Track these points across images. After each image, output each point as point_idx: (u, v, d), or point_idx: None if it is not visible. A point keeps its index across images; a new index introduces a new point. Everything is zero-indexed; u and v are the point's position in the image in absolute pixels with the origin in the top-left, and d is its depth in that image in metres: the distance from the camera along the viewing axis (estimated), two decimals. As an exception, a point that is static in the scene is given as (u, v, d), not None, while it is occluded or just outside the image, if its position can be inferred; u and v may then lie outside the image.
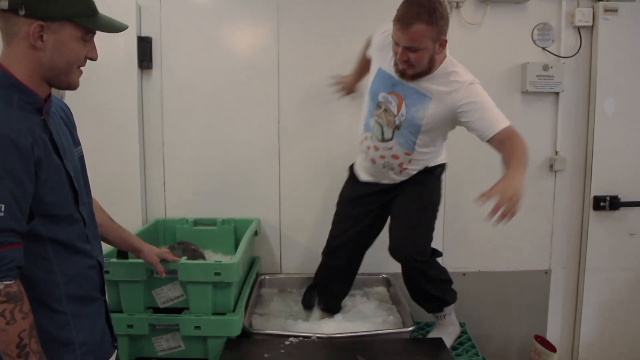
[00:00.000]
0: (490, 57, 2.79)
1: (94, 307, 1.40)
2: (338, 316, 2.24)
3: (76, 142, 1.46)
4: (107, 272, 1.91)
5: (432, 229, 2.28)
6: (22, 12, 1.20)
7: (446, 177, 2.73)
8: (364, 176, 2.35)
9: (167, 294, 2.02)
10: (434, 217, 2.31)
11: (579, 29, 2.80)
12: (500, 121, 2.01)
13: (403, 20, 1.92)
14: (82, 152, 1.48)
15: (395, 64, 2.07)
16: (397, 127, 2.16)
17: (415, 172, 2.27)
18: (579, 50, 2.81)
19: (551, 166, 2.86)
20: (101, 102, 2.63)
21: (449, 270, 2.79)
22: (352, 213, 2.37)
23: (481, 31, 2.79)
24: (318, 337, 2.00)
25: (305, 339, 1.99)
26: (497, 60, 2.80)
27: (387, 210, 2.34)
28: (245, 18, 2.74)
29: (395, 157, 2.21)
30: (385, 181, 2.30)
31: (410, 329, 2.13)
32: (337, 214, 2.44)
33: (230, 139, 2.76)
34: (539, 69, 2.74)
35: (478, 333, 2.85)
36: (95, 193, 2.58)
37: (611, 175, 2.85)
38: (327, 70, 2.64)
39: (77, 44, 1.28)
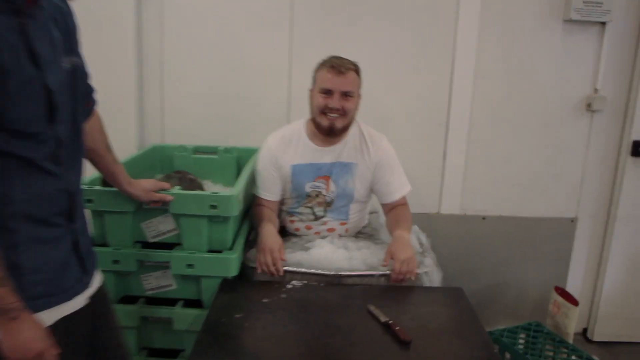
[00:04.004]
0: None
1: (55, 234, 1.20)
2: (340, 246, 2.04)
3: (70, 51, 1.24)
4: (91, 200, 1.73)
5: None
6: None
7: (472, 113, 2.52)
8: None
9: (157, 227, 1.82)
10: None
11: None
12: (401, 186, 2.10)
13: (338, 67, 1.93)
14: (79, 62, 1.28)
15: (317, 126, 2.00)
16: (329, 204, 2.11)
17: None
18: (634, -26, 2.48)
19: (589, 105, 2.59)
20: (92, 9, 2.34)
21: (468, 213, 2.63)
22: None
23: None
24: (321, 276, 1.82)
25: (309, 283, 1.80)
26: (539, -18, 2.50)
27: None
28: None
29: (331, 230, 2.13)
30: None
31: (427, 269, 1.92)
32: None
33: (237, 59, 2.51)
34: (587, -6, 2.43)
35: (494, 281, 2.71)
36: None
37: (655, 118, 2.58)
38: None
39: None
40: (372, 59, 2.42)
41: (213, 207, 1.72)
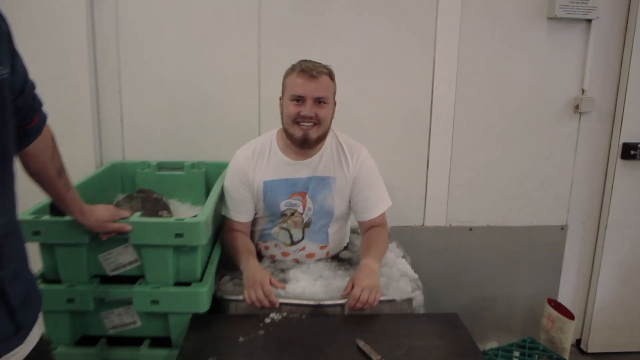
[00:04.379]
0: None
1: None
2: (316, 276, 1.85)
3: None
4: (38, 232, 1.52)
5: None
6: None
7: (454, 118, 2.37)
8: None
9: (117, 259, 1.61)
10: None
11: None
12: (380, 202, 1.93)
13: (309, 71, 1.75)
14: (4, 73, 1.02)
15: (290, 137, 1.82)
16: (307, 225, 1.92)
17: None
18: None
19: (576, 107, 2.47)
20: (38, 11, 2.13)
21: (454, 224, 2.48)
22: None
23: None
24: (304, 307, 1.64)
25: (288, 316, 1.61)
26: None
27: None
28: None
29: (310, 255, 1.96)
30: None
31: (417, 293, 1.75)
32: None
33: (202, 65, 2.31)
34: (572, -10, 2.30)
35: (482, 294, 2.58)
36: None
37: (645, 119, 2.47)
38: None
39: None
40: (345, 62, 2.26)
41: (178, 235, 1.52)
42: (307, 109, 1.75)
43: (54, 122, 2.20)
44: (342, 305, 1.66)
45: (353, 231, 2.13)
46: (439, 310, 2.54)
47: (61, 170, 1.34)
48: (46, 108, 1.25)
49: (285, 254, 1.95)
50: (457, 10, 2.33)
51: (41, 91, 2.17)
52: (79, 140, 2.26)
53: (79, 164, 2.24)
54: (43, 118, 1.23)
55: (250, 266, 1.75)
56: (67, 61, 2.20)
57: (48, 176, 1.30)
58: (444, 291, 2.57)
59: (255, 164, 1.88)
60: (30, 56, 2.13)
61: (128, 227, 1.52)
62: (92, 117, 2.26)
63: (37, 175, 1.28)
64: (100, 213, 1.49)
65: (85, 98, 2.24)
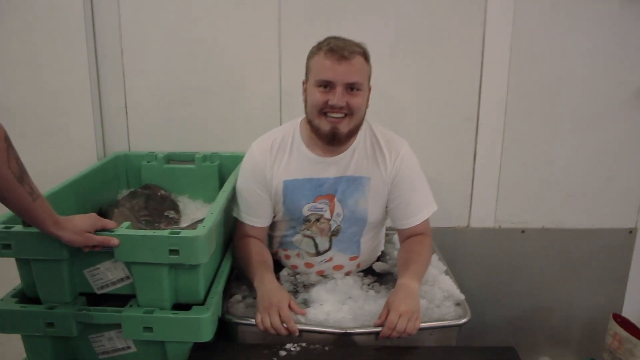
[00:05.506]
0: None
1: None
2: (344, 298, 1.56)
3: None
4: (8, 246, 1.27)
5: None
6: None
7: (507, 105, 2.04)
8: None
9: (105, 276, 1.36)
10: None
11: None
12: (424, 207, 1.64)
13: (340, 51, 1.45)
14: None
15: (316, 131, 1.53)
16: (335, 233, 1.64)
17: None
18: None
19: (651, 92, 2.10)
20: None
21: (504, 226, 2.17)
22: None
23: None
24: (329, 335, 1.37)
25: (309, 347, 1.33)
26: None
27: None
28: None
29: (338, 267, 1.68)
30: None
31: (463, 321, 1.46)
32: None
33: (215, 44, 2.02)
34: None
35: (535, 305, 2.27)
36: (34, 118, 1.95)
37: None
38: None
39: None
40: (378, 39, 1.94)
41: (173, 252, 1.25)
42: (337, 98, 1.46)
43: (49, 110, 2.00)
44: (374, 334, 1.38)
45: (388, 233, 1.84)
46: (485, 322, 2.28)
47: (22, 175, 1.08)
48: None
49: (309, 265, 1.68)
50: (512, -20, 1.99)
51: (35, 75, 1.96)
52: (78, 129, 2.03)
53: (79, 155, 2.04)
54: None
55: (266, 284, 1.47)
56: (63, 40, 1.94)
57: (5, 184, 1.05)
58: (490, 301, 2.26)
59: (274, 159, 1.60)
60: (22, 37, 1.92)
61: (115, 241, 1.26)
62: (92, 104, 2.01)
63: None
64: (78, 223, 1.23)
65: (85, 82, 1.98)
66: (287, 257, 1.70)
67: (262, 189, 1.61)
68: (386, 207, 1.65)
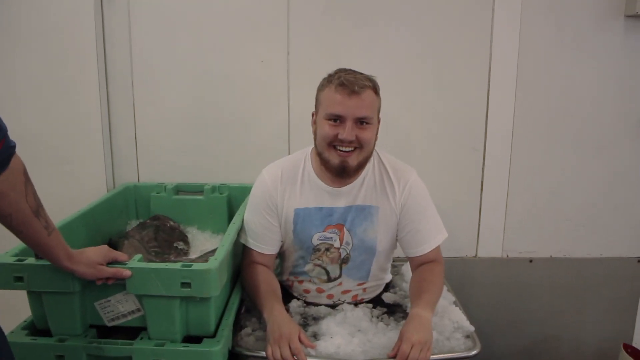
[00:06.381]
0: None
1: None
2: (354, 330, 1.55)
3: None
4: (21, 279, 1.27)
5: None
6: None
7: (512, 136, 2.06)
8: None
9: (116, 308, 1.36)
10: None
11: None
12: (435, 234, 1.64)
13: (351, 85, 1.46)
14: None
15: (325, 163, 1.54)
16: (345, 261, 1.65)
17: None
18: None
19: (657, 121, 2.11)
20: (45, 20, 1.92)
21: (511, 255, 2.16)
22: None
23: None
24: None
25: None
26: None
27: None
28: None
29: (346, 292, 1.70)
30: None
31: (474, 353, 1.45)
32: None
33: (224, 76, 2.05)
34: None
35: (543, 335, 2.26)
36: (44, 148, 1.96)
37: None
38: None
39: None
40: (386, 69, 1.97)
41: (185, 285, 1.25)
42: (347, 132, 1.47)
43: (60, 140, 2.02)
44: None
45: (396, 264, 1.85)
46: (494, 352, 2.26)
47: (38, 209, 1.08)
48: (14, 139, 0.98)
49: (320, 290, 1.69)
50: (517, 7, 2.01)
51: (46, 105, 1.99)
52: (88, 159, 2.04)
53: (89, 186, 2.05)
54: (9, 146, 0.97)
55: (276, 316, 1.46)
56: (75, 72, 1.97)
57: (22, 218, 1.06)
58: (498, 331, 2.25)
59: (284, 187, 1.61)
60: (34, 67, 1.95)
61: (127, 273, 1.26)
62: (103, 135, 2.03)
63: (7, 218, 1.03)
64: (91, 255, 1.24)
65: (96, 113, 2.00)
66: (300, 282, 1.70)
67: (272, 215, 1.62)
68: (396, 237, 1.65)
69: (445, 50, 2.05)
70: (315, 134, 1.57)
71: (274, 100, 2.05)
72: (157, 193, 2.03)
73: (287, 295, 1.71)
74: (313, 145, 1.62)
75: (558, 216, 2.20)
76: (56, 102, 1.98)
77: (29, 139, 1.94)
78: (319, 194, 1.60)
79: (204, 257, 1.55)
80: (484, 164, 2.13)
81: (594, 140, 2.14)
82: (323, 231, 1.61)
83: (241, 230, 1.67)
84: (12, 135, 0.97)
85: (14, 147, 0.99)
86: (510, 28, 2.03)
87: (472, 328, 1.51)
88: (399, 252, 1.74)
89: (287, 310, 1.58)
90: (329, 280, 1.66)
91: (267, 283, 1.59)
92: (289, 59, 2.02)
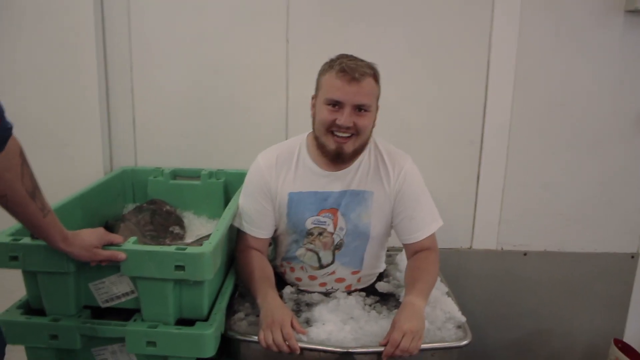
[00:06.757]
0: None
1: None
2: (346, 317, 1.55)
3: None
4: (16, 258, 1.28)
5: None
6: None
7: (510, 128, 2.06)
8: None
9: (110, 290, 1.37)
10: None
11: None
12: (429, 222, 1.65)
13: (351, 71, 1.47)
14: None
15: (321, 147, 1.56)
16: (338, 247, 1.65)
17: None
18: None
19: (654, 118, 2.12)
20: (44, 5, 1.91)
21: (506, 248, 2.17)
22: None
23: None
24: (330, 354, 1.36)
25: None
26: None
27: None
28: None
29: (340, 280, 1.70)
30: None
31: (464, 343, 1.46)
32: None
33: (223, 62, 2.05)
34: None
35: (535, 328, 2.27)
36: (43, 130, 1.96)
37: None
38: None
39: None
40: (385, 58, 1.92)
41: (179, 268, 1.26)
42: (345, 118, 1.48)
43: (59, 123, 2.03)
44: (376, 354, 1.38)
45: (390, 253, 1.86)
46: (486, 344, 2.28)
47: (34, 191, 1.09)
48: (10, 118, 0.98)
49: (312, 278, 1.69)
50: (516, 1, 2.01)
51: (45, 89, 1.99)
52: (86, 142, 2.04)
53: (87, 169, 2.06)
54: (6, 127, 0.97)
55: (269, 302, 1.47)
56: (74, 57, 1.97)
57: (18, 199, 1.07)
58: (492, 323, 2.27)
59: (279, 171, 1.62)
60: (34, 50, 1.95)
61: (122, 256, 1.27)
62: (101, 118, 2.03)
63: (3, 199, 1.05)
64: (86, 238, 1.25)
65: (94, 97, 2.00)
66: (292, 269, 1.71)
67: (266, 200, 1.62)
68: (391, 223, 1.66)
69: (445, 43, 2.05)
70: (313, 117, 1.58)
71: (273, 87, 2.06)
72: (155, 177, 2.03)
73: (281, 282, 1.71)
74: (309, 131, 1.63)
75: (553, 210, 2.20)
76: (55, 85, 1.98)
77: (28, 122, 1.95)
78: (313, 178, 1.61)
79: (199, 242, 1.55)
80: (480, 157, 2.14)
81: (590, 136, 2.15)
82: (317, 215, 1.62)
83: (236, 214, 1.68)
84: (11, 117, 0.97)
85: (10, 128, 0.99)
86: (510, 22, 2.03)
87: (463, 319, 1.52)
88: (393, 242, 1.75)
89: (281, 296, 1.59)
90: (321, 267, 1.67)
91: (261, 269, 1.60)
92: (288, 46, 2.02)
